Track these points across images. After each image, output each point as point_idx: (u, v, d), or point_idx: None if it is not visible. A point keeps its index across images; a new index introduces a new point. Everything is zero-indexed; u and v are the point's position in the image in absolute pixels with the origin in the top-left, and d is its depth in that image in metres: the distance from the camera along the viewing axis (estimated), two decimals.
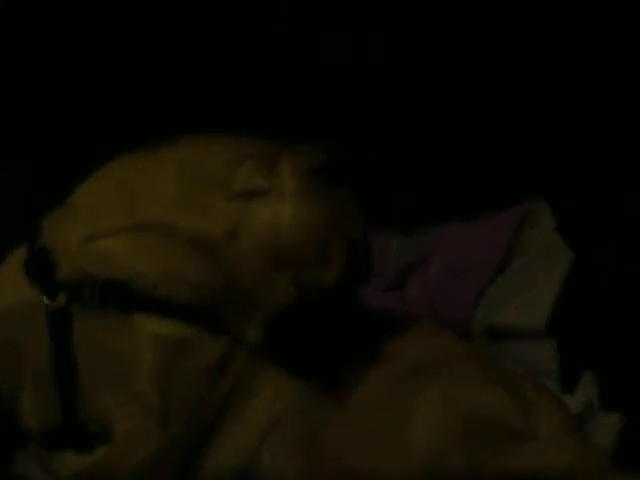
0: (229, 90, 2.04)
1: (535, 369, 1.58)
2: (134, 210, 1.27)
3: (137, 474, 1.18)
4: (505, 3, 2.03)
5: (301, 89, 2.06)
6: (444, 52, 2.06)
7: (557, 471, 1.15)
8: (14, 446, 1.33)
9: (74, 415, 1.24)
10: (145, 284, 1.24)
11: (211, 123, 1.97)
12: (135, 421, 1.20)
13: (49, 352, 1.23)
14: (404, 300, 1.86)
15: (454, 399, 1.21)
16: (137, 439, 1.19)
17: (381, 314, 1.45)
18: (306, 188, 1.29)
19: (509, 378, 1.30)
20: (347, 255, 1.31)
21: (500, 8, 2.03)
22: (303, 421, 1.27)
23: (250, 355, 1.29)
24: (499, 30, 2.04)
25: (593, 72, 1.98)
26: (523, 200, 1.97)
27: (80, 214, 1.31)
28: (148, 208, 1.27)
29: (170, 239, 1.25)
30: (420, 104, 2.07)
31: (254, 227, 1.26)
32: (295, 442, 1.26)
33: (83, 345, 1.24)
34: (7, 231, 1.55)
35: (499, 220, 1.94)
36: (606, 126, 1.97)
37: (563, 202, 1.95)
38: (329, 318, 1.29)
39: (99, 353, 1.23)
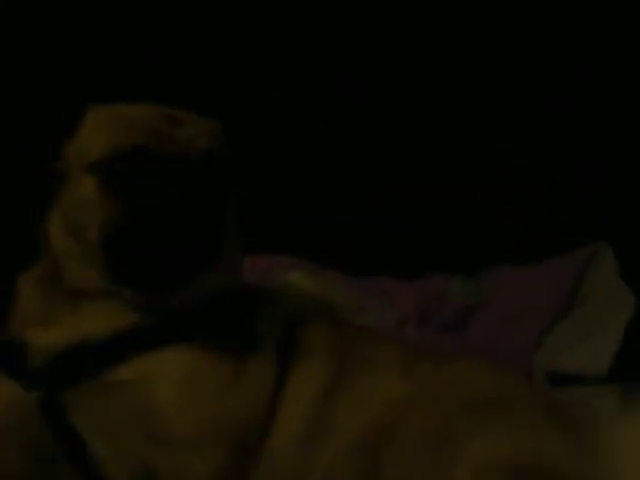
0: (229, 90, 2.04)
1: (599, 415, 1.50)
2: None
3: None
4: (505, 3, 2.03)
5: (301, 89, 2.06)
6: (444, 52, 2.06)
7: None
8: None
9: None
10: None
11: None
12: (177, 462, 1.19)
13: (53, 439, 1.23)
14: (462, 342, 1.82)
15: (510, 444, 1.16)
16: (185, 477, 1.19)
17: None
18: None
19: (573, 425, 1.24)
20: None
21: (500, 8, 2.03)
22: (364, 454, 1.24)
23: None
24: (499, 30, 2.05)
25: None
26: (586, 243, 1.94)
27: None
28: None
29: None
30: (420, 104, 2.08)
31: None
32: (357, 475, 1.23)
33: (83, 418, 1.22)
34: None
35: (561, 264, 1.91)
36: None
37: (626, 245, 1.93)
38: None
39: (104, 417, 1.21)
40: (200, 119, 1.32)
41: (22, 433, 1.23)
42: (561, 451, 1.17)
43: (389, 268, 1.97)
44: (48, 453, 1.23)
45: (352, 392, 1.27)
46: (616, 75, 2.03)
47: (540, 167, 2.06)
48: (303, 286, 1.79)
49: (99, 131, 1.27)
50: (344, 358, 1.30)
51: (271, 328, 1.31)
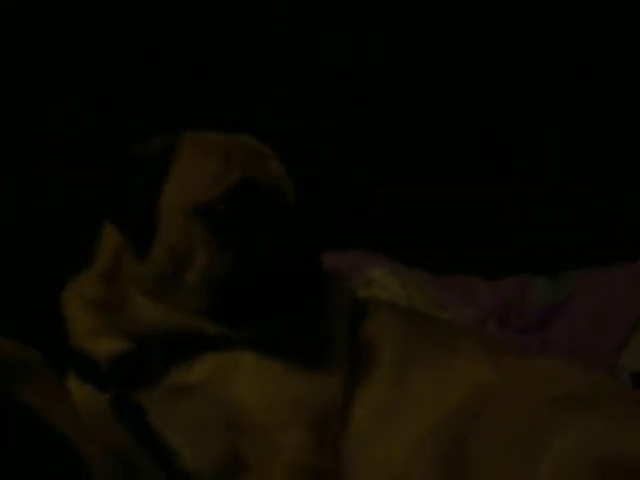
0: (229, 90, 2.04)
1: None
2: None
3: None
4: (505, 3, 2.03)
5: (301, 89, 2.06)
6: (444, 52, 2.06)
7: None
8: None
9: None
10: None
11: (211, 122, 1.98)
12: (261, 445, 1.21)
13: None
14: (544, 342, 1.81)
15: (596, 440, 1.15)
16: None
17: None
18: None
19: None
20: None
21: (500, 8, 2.03)
22: (447, 439, 1.24)
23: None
24: (499, 30, 2.05)
25: None
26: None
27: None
28: None
29: None
30: (420, 104, 2.07)
31: None
32: (439, 461, 1.23)
33: (159, 417, 1.23)
34: None
35: None
36: None
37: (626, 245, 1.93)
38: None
39: (182, 414, 1.23)
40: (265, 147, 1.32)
41: (104, 435, 1.24)
42: None
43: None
44: (129, 454, 1.25)
45: (432, 378, 1.28)
46: (616, 75, 2.03)
47: (540, 167, 2.06)
48: (386, 282, 1.81)
49: (199, 170, 1.23)
50: (418, 344, 1.31)
51: (339, 317, 1.31)
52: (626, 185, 2.03)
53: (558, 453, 1.14)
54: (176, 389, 1.23)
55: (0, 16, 1.90)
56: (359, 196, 2.06)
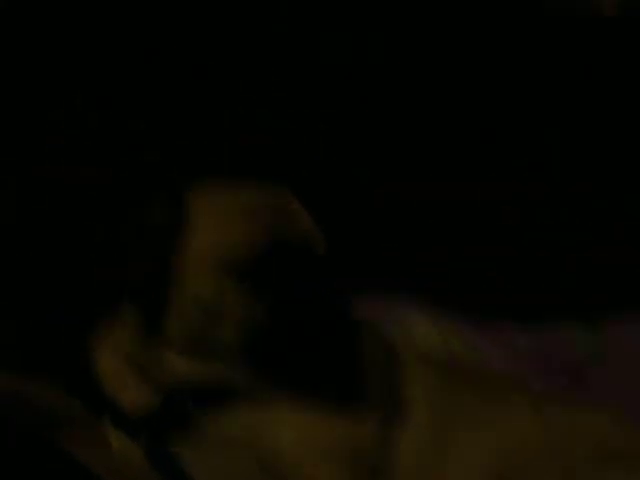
0: (229, 90, 2.04)
1: None
2: None
3: None
4: (505, 3, 2.03)
5: (301, 89, 2.06)
6: (444, 52, 2.06)
7: None
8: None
9: None
10: None
11: (211, 123, 1.98)
12: None
13: None
14: (581, 392, 1.77)
15: None
16: None
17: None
18: None
19: None
20: None
21: (500, 8, 2.03)
22: None
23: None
24: (499, 30, 2.04)
25: None
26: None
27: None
28: None
29: None
30: (420, 104, 2.07)
31: None
32: None
33: (196, 466, 1.23)
34: None
35: None
36: None
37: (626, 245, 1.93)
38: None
39: (222, 464, 1.22)
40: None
41: None
42: None
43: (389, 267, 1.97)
44: None
45: (473, 431, 1.26)
46: (616, 75, 2.03)
47: (540, 167, 2.06)
48: (419, 326, 1.80)
49: (225, 224, 1.21)
50: (458, 395, 1.29)
51: (371, 362, 1.29)
52: (626, 185, 2.03)
53: None
54: (210, 438, 1.22)
55: (0, 16, 1.90)
56: (359, 196, 2.06)
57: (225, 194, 1.24)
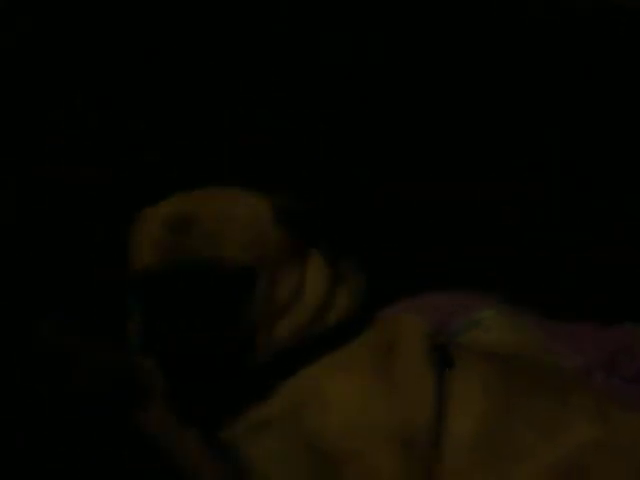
0: (229, 90, 2.04)
1: None
2: None
3: None
4: (505, 3, 2.03)
5: (301, 89, 2.06)
6: (444, 52, 2.06)
7: None
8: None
9: None
10: None
11: (211, 123, 1.98)
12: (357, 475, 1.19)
13: None
14: None
15: None
16: None
17: None
18: None
19: None
20: None
21: (500, 8, 2.03)
22: None
23: None
24: (499, 30, 2.04)
25: None
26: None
27: None
28: None
29: None
30: (420, 104, 2.07)
31: None
32: None
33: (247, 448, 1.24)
34: None
35: None
36: None
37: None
38: None
39: (272, 447, 1.23)
40: None
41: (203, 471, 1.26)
42: None
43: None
44: None
45: (535, 429, 1.25)
46: (616, 76, 2.03)
47: (540, 167, 2.06)
48: (494, 324, 1.79)
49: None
50: (518, 393, 1.28)
51: (412, 355, 1.29)
52: (626, 185, 2.03)
53: None
54: (257, 423, 1.22)
55: (0, 16, 1.90)
56: (359, 196, 2.06)
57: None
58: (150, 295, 1.18)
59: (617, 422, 1.27)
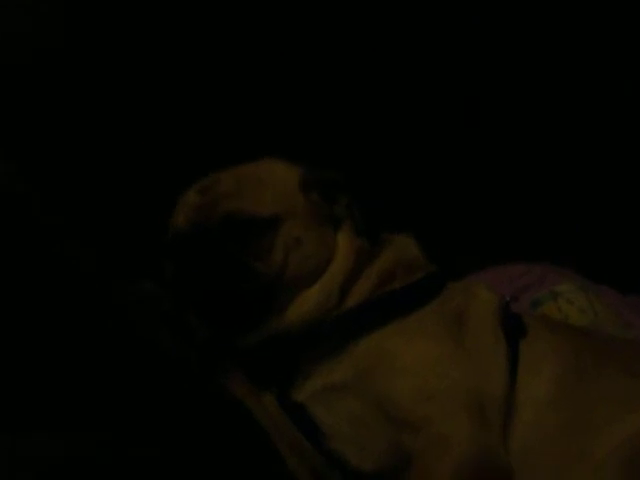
0: (229, 90, 2.04)
1: None
2: None
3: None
4: (505, 3, 2.04)
5: (301, 89, 2.06)
6: (444, 52, 2.06)
7: None
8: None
9: None
10: None
11: (212, 123, 1.98)
12: (426, 439, 1.18)
13: None
14: None
15: None
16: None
17: None
18: None
19: None
20: None
21: (500, 8, 2.03)
22: (632, 463, 1.20)
23: None
24: (499, 30, 2.05)
25: None
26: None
27: None
28: None
29: None
30: (420, 104, 2.08)
31: None
32: None
33: (320, 413, 1.28)
34: None
35: None
36: None
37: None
38: None
39: (342, 410, 1.25)
40: None
41: (283, 435, 1.27)
42: None
43: None
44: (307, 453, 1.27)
45: (608, 399, 1.24)
46: (616, 76, 2.03)
47: (540, 167, 2.06)
48: (572, 297, 1.82)
49: None
50: (592, 364, 1.28)
51: (484, 323, 1.31)
52: (626, 185, 2.03)
53: None
54: (330, 387, 1.25)
55: (0, 16, 1.90)
56: (359, 196, 2.06)
57: None
58: (177, 252, 1.28)
59: None
